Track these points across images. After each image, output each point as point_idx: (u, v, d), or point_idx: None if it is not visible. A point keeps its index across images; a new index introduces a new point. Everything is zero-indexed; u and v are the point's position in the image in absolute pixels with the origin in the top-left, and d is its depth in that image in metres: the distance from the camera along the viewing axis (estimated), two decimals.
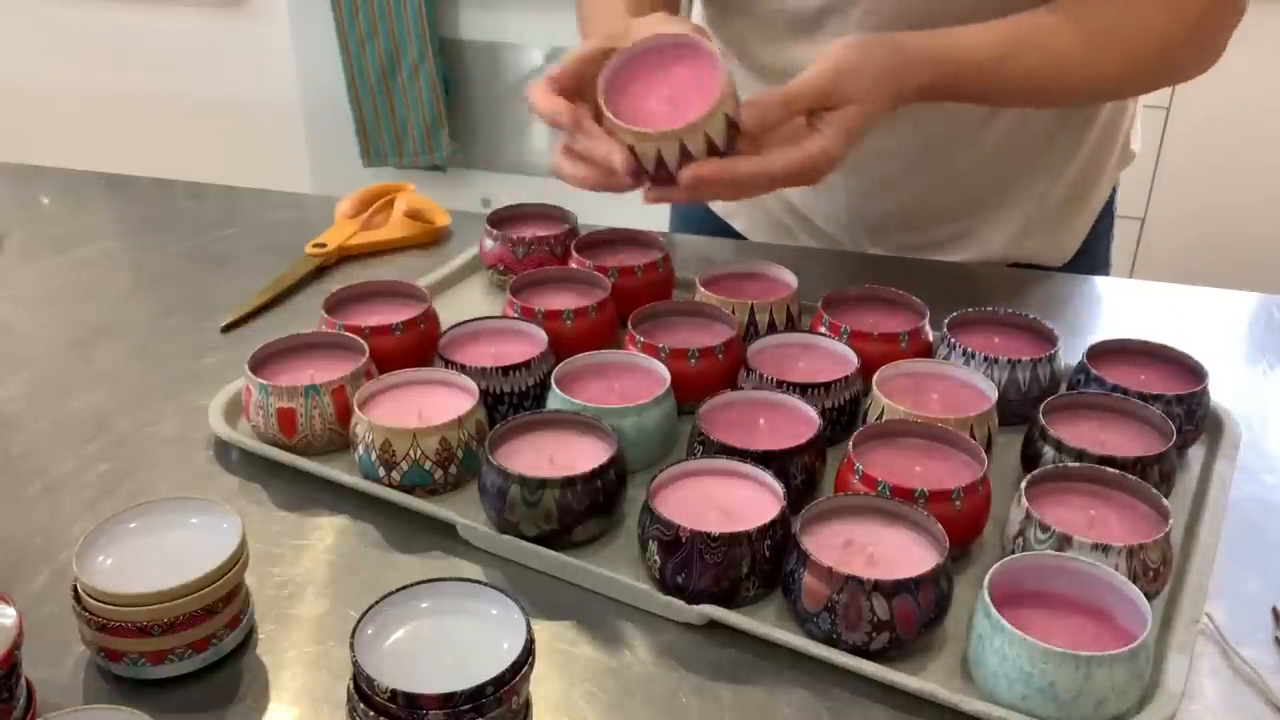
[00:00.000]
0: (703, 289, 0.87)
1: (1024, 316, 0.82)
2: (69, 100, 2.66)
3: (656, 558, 0.62)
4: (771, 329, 0.84)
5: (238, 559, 0.59)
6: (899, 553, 0.61)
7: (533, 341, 0.81)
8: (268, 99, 2.52)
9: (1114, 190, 1.06)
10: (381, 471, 0.71)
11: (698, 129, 0.72)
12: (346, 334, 0.80)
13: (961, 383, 0.76)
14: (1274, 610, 0.64)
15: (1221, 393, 0.79)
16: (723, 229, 1.13)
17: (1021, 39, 0.81)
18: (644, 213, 0.89)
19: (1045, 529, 0.61)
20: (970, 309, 0.83)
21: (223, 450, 0.77)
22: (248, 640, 0.61)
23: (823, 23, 0.91)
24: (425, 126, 2.34)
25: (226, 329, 0.93)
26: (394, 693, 0.49)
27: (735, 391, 0.74)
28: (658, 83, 0.75)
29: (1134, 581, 0.58)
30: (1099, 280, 1.02)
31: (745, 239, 1.11)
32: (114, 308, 0.97)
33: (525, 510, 0.66)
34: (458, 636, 0.55)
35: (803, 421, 0.71)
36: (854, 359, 0.78)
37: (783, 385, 0.74)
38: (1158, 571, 0.61)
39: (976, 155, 0.97)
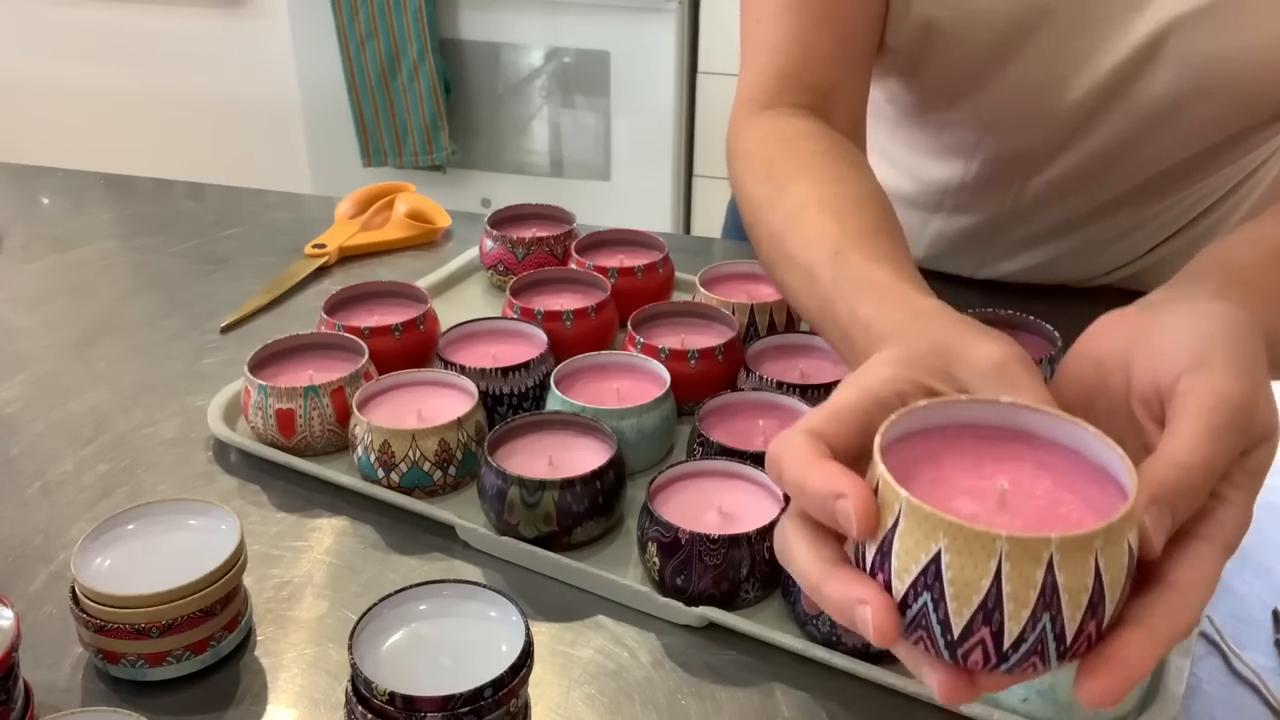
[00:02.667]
0: (703, 289, 0.86)
1: (1025, 318, 0.81)
2: (69, 100, 2.66)
3: (656, 559, 0.62)
4: (771, 330, 0.84)
5: (236, 560, 0.59)
6: None
7: (532, 342, 0.81)
8: (268, 99, 2.52)
9: None
10: (380, 473, 0.71)
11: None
12: (346, 335, 0.80)
13: None
14: (1274, 613, 0.64)
15: None
16: None
17: None
18: (644, 214, 0.88)
19: None
20: (970, 310, 0.83)
21: (221, 451, 0.77)
22: (246, 642, 0.61)
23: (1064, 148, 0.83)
24: (425, 126, 2.34)
25: (226, 329, 0.93)
26: (392, 695, 0.49)
27: (735, 393, 0.74)
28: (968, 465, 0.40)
29: None
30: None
31: None
32: (113, 308, 0.97)
33: (524, 512, 0.65)
34: (456, 638, 0.54)
35: None
36: None
37: (782, 386, 0.74)
38: None
39: (1120, 244, 0.94)
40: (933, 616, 0.36)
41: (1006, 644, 0.35)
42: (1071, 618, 0.35)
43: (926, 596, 0.36)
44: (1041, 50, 0.76)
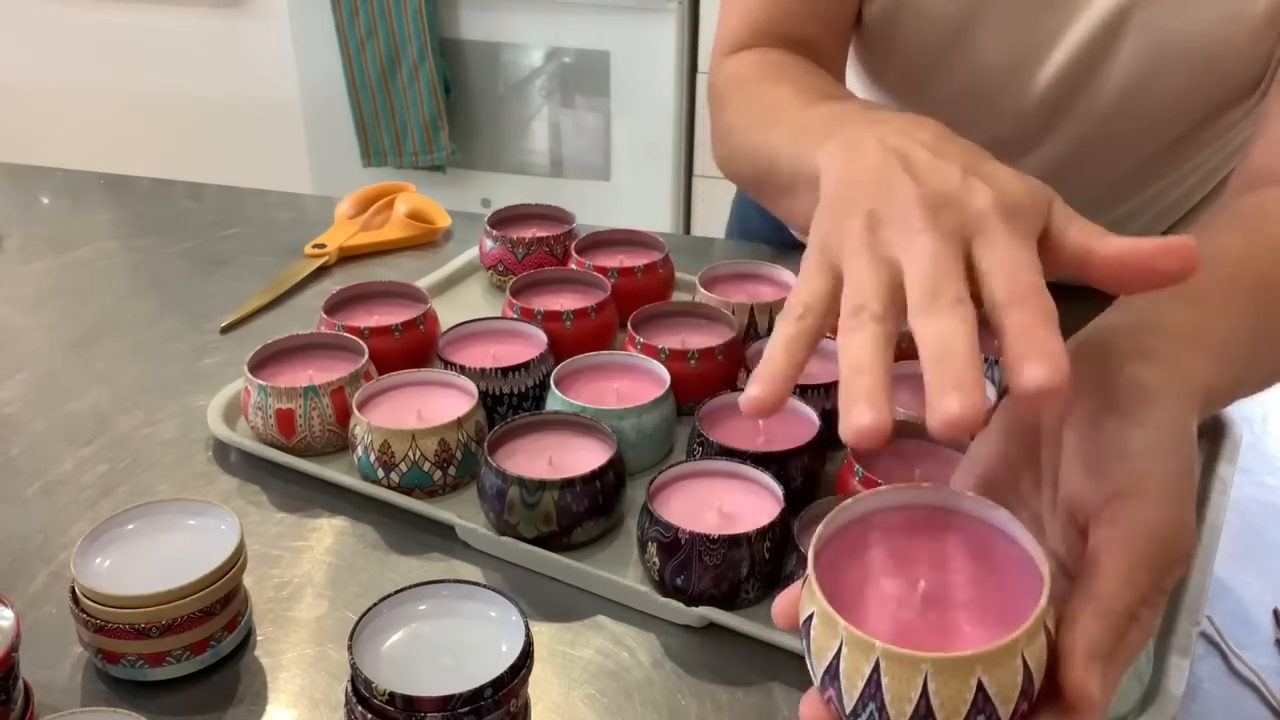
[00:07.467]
0: (703, 289, 0.86)
1: None
2: (69, 100, 2.66)
3: (656, 559, 0.62)
4: (771, 329, 0.84)
5: (236, 560, 0.59)
6: None
7: (532, 342, 0.81)
8: (268, 99, 2.52)
9: None
10: (380, 473, 0.71)
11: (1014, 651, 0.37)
12: (346, 335, 0.80)
13: None
14: (1275, 612, 0.64)
15: None
16: (784, 234, 1.06)
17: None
18: (644, 214, 0.88)
19: None
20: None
21: (221, 451, 0.77)
22: (246, 642, 0.61)
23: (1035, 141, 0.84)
24: (425, 126, 2.34)
25: (226, 329, 0.93)
26: (392, 695, 0.49)
27: (735, 392, 0.74)
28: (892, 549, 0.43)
29: None
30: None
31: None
32: (113, 308, 0.97)
33: (524, 512, 0.65)
34: (456, 638, 0.54)
35: (802, 423, 0.71)
36: None
37: None
38: None
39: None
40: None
41: None
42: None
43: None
44: (1004, 29, 0.77)
